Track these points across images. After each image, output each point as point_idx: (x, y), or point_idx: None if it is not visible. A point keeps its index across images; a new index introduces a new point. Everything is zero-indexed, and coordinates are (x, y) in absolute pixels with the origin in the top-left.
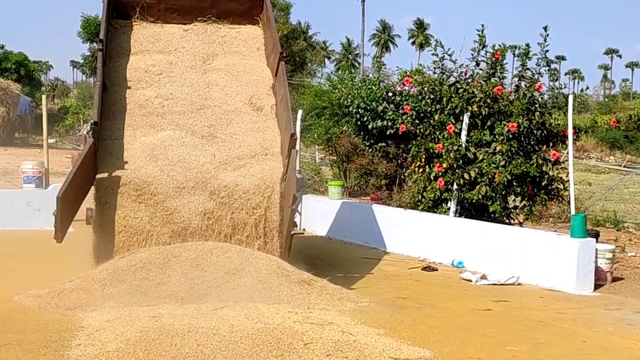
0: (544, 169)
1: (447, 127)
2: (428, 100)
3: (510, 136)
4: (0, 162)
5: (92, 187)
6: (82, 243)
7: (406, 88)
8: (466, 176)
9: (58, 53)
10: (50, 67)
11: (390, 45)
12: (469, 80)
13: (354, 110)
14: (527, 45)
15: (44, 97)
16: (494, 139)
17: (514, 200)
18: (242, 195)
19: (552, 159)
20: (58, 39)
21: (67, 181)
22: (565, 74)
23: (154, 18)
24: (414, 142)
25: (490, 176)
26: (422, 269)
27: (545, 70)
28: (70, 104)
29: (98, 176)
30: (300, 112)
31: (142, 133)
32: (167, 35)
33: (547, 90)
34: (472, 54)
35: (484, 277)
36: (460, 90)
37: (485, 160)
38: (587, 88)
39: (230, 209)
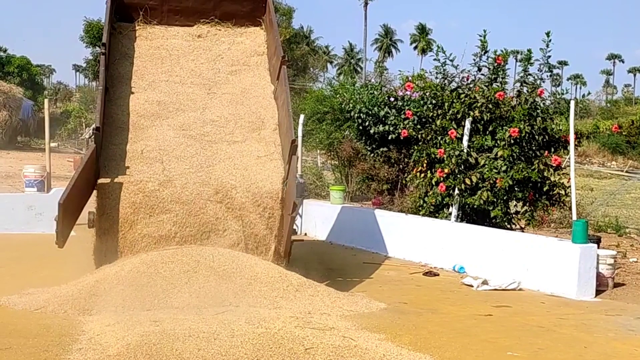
0: (545, 174)
1: (449, 132)
2: (430, 106)
3: (512, 141)
4: (3, 165)
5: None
6: (84, 247)
7: (408, 93)
8: (468, 181)
9: (61, 57)
10: (52, 71)
11: (393, 50)
12: (471, 86)
13: (356, 115)
14: (529, 50)
15: (46, 100)
16: (496, 144)
17: (516, 205)
18: (244, 202)
19: (554, 165)
20: (61, 42)
21: (68, 187)
22: (568, 79)
23: (157, 20)
24: (415, 147)
25: (491, 181)
26: (423, 274)
27: (547, 76)
28: (72, 107)
29: (100, 181)
30: (302, 116)
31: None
32: (171, 52)
33: (549, 96)
34: (474, 59)
35: (485, 282)
36: (462, 96)
37: (486, 166)
38: (589, 93)
39: (232, 216)
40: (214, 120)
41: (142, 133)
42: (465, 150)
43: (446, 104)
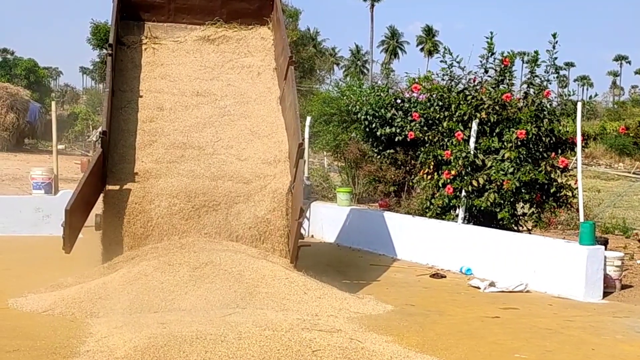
0: (552, 176)
1: (456, 134)
2: (436, 107)
3: (519, 143)
4: (10, 168)
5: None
6: (91, 249)
7: (415, 95)
8: (474, 183)
9: (67, 59)
10: (59, 73)
11: (399, 52)
12: (478, 87)
13: (363, 116)
14: (536, 52)
15: (53, 103)
16: (503, 146)
17: (523, 207)
18: (250, 204)
19: (561, 166)
20: (68, 45)
21: (75, 193)
22: (574, 81)
23: (165, 17)
24: (422, 149)
25: (498, 183)
26: (430, 276)
27: (554, 77)
28: (79, 110)
29: (108, 187)
30: (308, 118)
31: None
32: (180, 74)
33: (555, 97)
34: (481, 61)
35: (492, 284)
36: (469, 97)
37: (493, 167)
38: (596, 95)
39: (237, 218)
40: (222, 158)
41: (156, 189)
42: (472, 152)
43: (453, 106)
